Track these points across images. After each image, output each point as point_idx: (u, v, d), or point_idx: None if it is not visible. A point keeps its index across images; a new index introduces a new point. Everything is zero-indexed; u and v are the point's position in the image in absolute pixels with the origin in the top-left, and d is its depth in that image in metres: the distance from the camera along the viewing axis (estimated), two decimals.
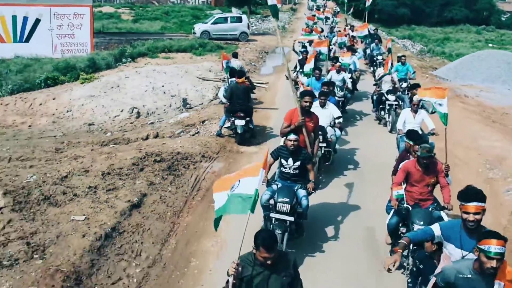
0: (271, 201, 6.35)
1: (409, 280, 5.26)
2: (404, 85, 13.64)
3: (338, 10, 46.58)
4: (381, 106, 13.11)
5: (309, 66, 12.63)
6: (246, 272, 4.01)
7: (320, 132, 8.28)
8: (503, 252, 3.65)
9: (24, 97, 15.03)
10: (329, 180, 9.34)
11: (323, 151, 8.94)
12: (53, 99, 14.64)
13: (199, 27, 28.80)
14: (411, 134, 7.22)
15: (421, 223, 5.75)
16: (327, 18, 33.08)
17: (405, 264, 5.99)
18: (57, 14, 23.33)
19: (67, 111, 13.84)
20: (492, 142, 11.17)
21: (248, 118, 10.54)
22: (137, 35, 28.71)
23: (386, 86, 13.13)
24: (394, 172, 7.16)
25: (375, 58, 18.80)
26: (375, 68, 17.85)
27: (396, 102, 12.41)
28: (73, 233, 6.39)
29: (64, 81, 17.61)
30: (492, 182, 8.96)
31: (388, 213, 6.58)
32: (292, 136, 6.50)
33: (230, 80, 11.87)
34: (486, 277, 3.75)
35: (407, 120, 9.38)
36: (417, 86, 10.41)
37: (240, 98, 10.47)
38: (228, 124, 10.80)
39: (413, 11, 52.02)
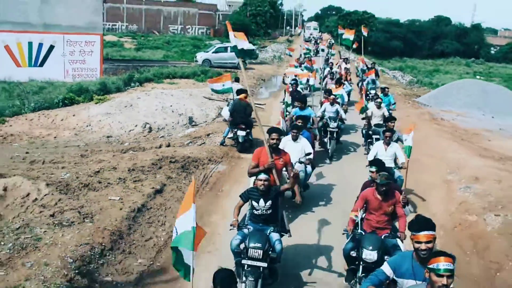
0: (242, 246, 6.14)
1: None
2: (386, 112, 13.85)
3: (333, 42, 49.30)
4: (369, 140, 13.34)
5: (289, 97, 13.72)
6: None
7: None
8: (452, 269, 3.73)
9: (46, 114, 17.12)
10: (299, 218, 9.18)
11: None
12: (73, 115, 16.74)
13: (201, 56, 31.36)
14: (375, 162, 7.46)
15: (370, 248, 5.96)
16: (322, 50, 35.52)
17: None
18: (70, 41, 25.56)
19: (87, 126, 15.91)
20: (458, 156, 13.22)
21: (248, 130, 12.62)
22: (142, 62, 31.12)
23: (375, 120, 13.34)
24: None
25: (368, 92, 18.87)
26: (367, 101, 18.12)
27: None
28: (112, 208, 8.40)
29: (79, 101, 19.69)
30: (449, 182, 11.01)
31: (347, 238, 6.72)
32: (262, 176, 6.35)
33: (234, 98, 14.02)
34: None
35: (379, 152, 9.57)
36: (392, 119, 10.76)
37: (242, 112, 12.58)
38: (231, 134, 12.89)
39: (406, 44, 54.97)
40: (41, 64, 25.33)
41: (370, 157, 9.41)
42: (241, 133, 12.50)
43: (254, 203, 6.45)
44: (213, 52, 31.62)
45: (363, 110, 13.92)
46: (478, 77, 42.38)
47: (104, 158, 11.87)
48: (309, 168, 9.63)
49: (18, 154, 12.88)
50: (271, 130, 7.35)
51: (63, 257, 6.56)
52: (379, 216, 6.42)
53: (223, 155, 12.37)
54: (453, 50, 57.72)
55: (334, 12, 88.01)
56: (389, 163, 9.10)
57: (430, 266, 3.80)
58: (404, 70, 44.75)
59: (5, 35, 24.38)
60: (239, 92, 13.33)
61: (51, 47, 25.37)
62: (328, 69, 22.48)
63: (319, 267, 7.53)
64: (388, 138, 9.67)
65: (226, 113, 14.10)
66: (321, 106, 14.39)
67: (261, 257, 5.98)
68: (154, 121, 16.14)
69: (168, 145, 13.36)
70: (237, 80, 17.04)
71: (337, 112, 13.50)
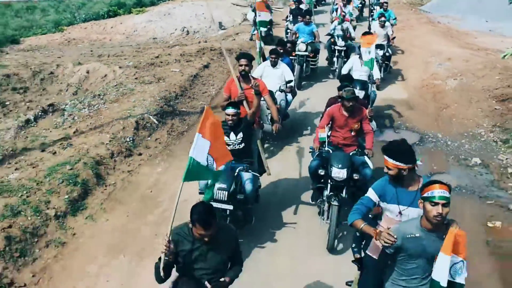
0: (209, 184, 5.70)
1: (353, 245, 4.82)
2: (390, 31, 13.82)
3: None
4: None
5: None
6: (182, 246, 3.79)
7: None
8: (448, 197, 3.51)
9: (97, 23, 20.60)
10: (280, 151, 8.89)
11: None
12: (120, 23, 20.19)
13: None
14: (346, 77, 7.66)
15: (339, 165, 5.93)
16: None
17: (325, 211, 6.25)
18: None
19: (134, 31, 19.38)
20: (442, 47, 16.37)
21: (269, 26, 15.93)
22: None
23: (378, 40, 12.76)
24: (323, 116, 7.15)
25: (372, 8, 17.78)
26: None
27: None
28: (175, 75, 12.09)
29: (120, 13, 23.02)
30: (428, 62, 14.31)
31: (312, 156, 6.62)
32: (230, 110, 5.93)
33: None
34: (435, 233, 3.58)
35: (354, 66, 9.51)
36: (369, 33, 10.15)
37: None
38: (254, 32, 16.25)
39: None
40: None
41: (345, 70, 9.45)
42: (263, 29, 15.84)
43: (226, 138, 5.87)
44: None
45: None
46: None
47: (155, 52, 15.46)
48: (289, 96, 9.19)
49: (84, 51, 16.51)
50: (240, 56, 6.85)
51: (153, 96, 10.32)
52: (345, 132, 6.40)
53: (251, 46, 15.80)
54: None
55: None
56: (364, 78, 9.22)
57: (424, 195, 3.57)
58: None
59: None
60: None
61: None
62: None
63: (303, 202, 7.13)
64: None
65: (250, 15, 17.31)
66: (331, 24, 14.30)
67: (226, 199, 5.62)
68: (190, 26, 19.50)
69: (205, 42, 16.82)
70: None
71: (347, 30, 13.12)
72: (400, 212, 4.18)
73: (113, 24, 20.13)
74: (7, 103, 12.24)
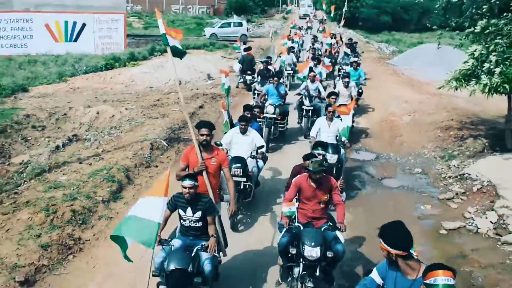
0: (165, 265, 5.39)
1: None
2: (354, 91, 14.41)
3: (325, 18, 55.04)
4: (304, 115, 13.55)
5: (302, 73, 14.08)
6: None
7: (239, 165, 8.16)
8: (453, 284, 3.28)
9: (97, 74, 23.29)
10: (255, 223, 8.57)
11: (242, 186, 8.25)
12: (119, 74, 22.92)
13: (208, 30, 37.55)
14: (320, 144, 7.49)
15: (312, 244, 5.65)
16: (309, 27, 41.11)
17: None
18: (99, 20, 31.48)
19: (131, 81, 22.07)
20: (402, 93, 19.35)
21: (253, 75, 18.74)
22: (158, 37, 37.14)
23: (342, 100, 13.44)
24: (287, 187, 6.98)
25: (341, 68, 19.43)
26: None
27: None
28: (175, 113, 14.60)
29: (116, 66, 25.76)
30: (389, 104, 17.19)
31: (280, 232, 6.30)
32: (187, 182, 5.57)
33: (242, 53, 20.06)
34: None
35: (322, 128, 9.57)
36: (334, 94, 10.99)
37: (248, 63, 18.71)
38: (241, 79, 19.06)
39: (394, 19, 60.70)
40: (75, 40, 31.26)
41: (313, 133, 9.60)
42: (248, 77, 18.67)
43: (181, 212, 5.76)
44: (218, 27, 37.93)
45: (301, 77, 14.27)
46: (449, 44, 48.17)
47: (156, 96, 18.10)
48: (260, 162, 9.03)
49: (89, 98, 19.06)
50: (200, 125, 6.49)
51: (161, 127, 12.84)
52: (314, 205, 6.14)
53: (238, 92, 18.55)
54: (439, 24, 63.24)
55: None
56: (331, 140, 9.30)
57: (427, 281, 3.36)
58: (390, 42, 50.61)
59: (46, 15, 30.33)
60: (245, 49, 19.46)
61: (83, 25, 31.24)
62: (310, 45, 23.54)
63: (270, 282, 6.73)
64: (331, 113, 9.64)
65: (236, 66, 20.20)
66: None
67: (181, 281, 5.30)
68: (182, 77, 22.29)
69: (197, 89, 19.56)
70: (244, 43, 23.14)
71: (317, 90, 13.53)
72: None
73: (112, 75, 22.82)
74: (29, 138, 14.64)
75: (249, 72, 18.77)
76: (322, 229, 6.05)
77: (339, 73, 16.82)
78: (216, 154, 6.47)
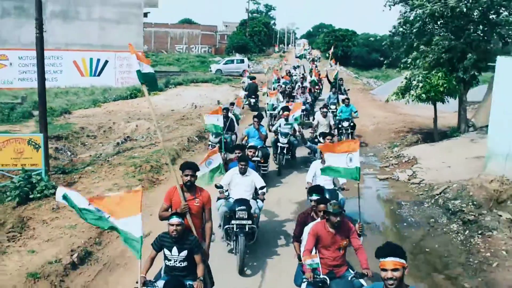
0: None
1: None
2: (346, 124, 16.46)
3: (319, 57, 61.45)
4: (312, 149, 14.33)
5: (295, 114, 14.31)
6: None
7: (244, 207, 8.30)
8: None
9: (125, 102, 29.11)
10: (257, 261, 8.74)
11: (247, 229, 8.29)
12: (144, 101, 28.69)
13: (214, 67, 43.85)
14: (316, 188, 7.43)
15: None
16: (297, 66, 46.66)
17: None
18: (120, 57, 37.50)
19: (155, 106, 27.81)
20: (374, 112, 25.20)
21: (256, 99, 24.47)
22: (169, 72, 43.37)
23: (321, 128, 14.71)
24: (296, 237, 6.96)
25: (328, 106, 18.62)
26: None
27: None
28: (199, 123, 20.27)
29: (139, 96, 31.59)
30: (363, 120, 22.92)
31: (297, 285, 6.29)
32: (174, 220, 5.76)
33: (248, 81, 25.85)
34: None
35: (318, 173, 9.10)
36: (329, 135, 11.15)
37: (253, 89, 24.52)
38: (247, 102, 24.84)
39: (384, 56, 67.34)
40: (99, 74, 37.23)
41: (309, 178, 9.39)
42: (252, 100, 24.46)
43: (167, 251, 5.87)
44: (223, 64, 44.38)
45: (293, 120, 14.34)
46: None
47: (181, 114, 23.78)
48: (260, 203, 9.03)
49: (124, 117, 24.73)
50: (184, 166, 6.67)
51: (192, 130, 18.48)
52: (334, 252, 6.04)
53: (244, 111, 24.33)
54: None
55: (325, 30, 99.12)
56: (328, 185, 9.04)
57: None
58: (379, 78, 56.86)
59: (74, 53, 36.41)
60: (251, 78, 25.35)
61: (106, 62, 37.29)
62: (299, 84, 25.56)
63: None
64: None
65: (242, 93, 25.96)
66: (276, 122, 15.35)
67: None
68: (196, 103, 28.11)
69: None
70: (251, 78, 29.07)
71: (291, 127, 14.03)
72: None
73: (138, 102, 28.63)
74: (86, 143, 20.19)
75: (253, 96, 24.54)
76: (349, 279, 5.89)
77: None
78: (200, 194, 6.63)
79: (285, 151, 13.89)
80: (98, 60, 37.16)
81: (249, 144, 11.84)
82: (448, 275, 8.42)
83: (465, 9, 14.34)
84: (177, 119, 21.79)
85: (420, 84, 15.73)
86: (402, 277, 4.15)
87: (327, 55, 64.44)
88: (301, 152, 15.54)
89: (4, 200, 11.65)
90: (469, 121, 17.08)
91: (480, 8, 14.59)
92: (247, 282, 8.01)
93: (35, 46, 14.28)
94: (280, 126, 14.13)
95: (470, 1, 14.41)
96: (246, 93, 24.97)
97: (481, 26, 15.54)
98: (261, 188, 8.91)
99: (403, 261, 4.19)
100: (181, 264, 5.86)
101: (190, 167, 6.65)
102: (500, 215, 10.09)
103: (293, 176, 14.18)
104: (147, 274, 5.75)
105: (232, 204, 8.51)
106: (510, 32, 14.90)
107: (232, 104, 17.41)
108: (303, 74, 31.17)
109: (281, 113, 15.43)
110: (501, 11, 15.22)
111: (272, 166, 14.18)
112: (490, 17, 15.25)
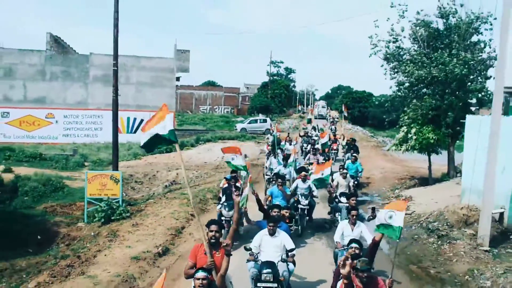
0: None
1: None
2: (351, 182, 16.23)
3: (338, 118, 65.82)
4: (334, 208, 15.04)
5: (325, 172, 14.71)
6: None
7: (269, 270, 8.46)
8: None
9: (162, 155, 33.54)
10: None
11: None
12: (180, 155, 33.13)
13: (239, 126, 48.67)
14: (354, 240, 8.11)
15: None
16: (309, 128, 50.41)
17: None
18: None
19: (190, 158, 32.21)
20: (384, 164, 29.22)
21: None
22: (198, 131, 48.15)
23: (341, 189, 15.37)
24: None
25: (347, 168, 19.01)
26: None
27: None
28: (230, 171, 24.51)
29: (173, 150, 36.00)
30: (372, 170, 26.92)
31: None
32: (200, 274, 6.26)
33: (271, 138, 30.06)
34: None
35: (345, 232, 9.70)
36: (353, 195, 11.72)
37: (278, 142, 28.77)
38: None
39: (398, 116, 71.69)
40: (135, 132, 41.93)
41: (337, 237, 9.75)
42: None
43: None
44: (248, 123, 49.21)
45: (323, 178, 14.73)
46: None
47: (212, 166, 28.02)
48: (291, 266, 9.18)
49: (164, 167, 29.03)
50: (210, 223, 7.25)
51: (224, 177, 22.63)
52: None
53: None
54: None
55: (343, 91, 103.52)
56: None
57: None
58: (393, 137, 60.86)
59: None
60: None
61: (141, 120, 41.99)
62: (310, 145, 25.99)
63: None
64: (354, 217, 9.89)
65: (270, 140, 30.08)
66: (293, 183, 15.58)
67: None
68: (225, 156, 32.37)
69: None
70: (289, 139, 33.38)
71: (309, 188, 14.49)
72: None
73: (173, 155, 33.01)
74: (135, 188, 24.45)
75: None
76: None
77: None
78: (225, 243, 6.89)
79: (306, 212, 14.41)
80: (135, 119, 41.98)
81: (275, 203, 11.89)
82: (420, 266, 12.24)
83: (444, 78, 18.67)
84: (212, 168, 26.00)
85: (414, 137, 19.85)
86: None
87: (343, 116, 69.05)
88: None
89: (93, 220, 15.93)
90: (458, 168, 21.00)
91: (457, 77, 18.82)
92: None
93: (112, 106, 18.65)
94: (297, 187, 14.53)
95: (447, 72, 18.66)
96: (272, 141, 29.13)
97: (459, 92, 19.74)
98: (291, 250, 8.96)
99: None
100: None
101: (215, 224, 7.25)
102: (465, 231, 13.90)
103: (313, 238, 14.48)
104: None
105: (260, 266, 8.68)
106: (482, 96, 19.13)
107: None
108: (317, 135, 32.45)
109: (295, 175, 16.68)
110: (478, 79, 19.48)
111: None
112: (468, 83, 19.53)
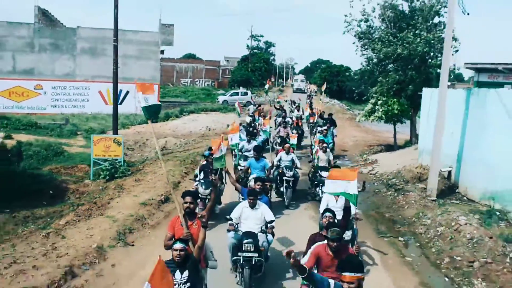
0: None
1: None
2: (331, 156, 16.34)
3: (314, 93, 68.27)
4: (315, 182, 15.49)
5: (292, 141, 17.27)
6: None
7: (251, 240, 8.78)
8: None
9: (150, 124, 35.94)
10: None
11: (253, 262, 8.80)
12: (166, 124, 35.57)
13: (221, 98, 51.09)
14: (329, 210, 8.45)
15: None
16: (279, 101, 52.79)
17: None
18: None
19: (176, 128, 34.67)
20: (356, 134, 32.12)
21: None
22: (181, 102, 50.46)
23: (321, 163, 15.53)
24: (304, 255, 7.52)
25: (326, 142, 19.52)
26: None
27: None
28: (217, 139, 27.11)
29: (159, 121, 38.36)
30: (345, 138, 29.77)
31: None
32: (178, 245, 6.38)
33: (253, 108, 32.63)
34: None
35: (330, 203, 10.17)
36: (337, 167, 11.68)
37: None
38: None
39: (367, 89, 74.79)
40: (121, 103, 43.81)
41: (322, 209, 9.87)
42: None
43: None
44: (229, 96, 51.69)
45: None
46: None
47: (198, 135, 30.57)
48: (270, 237, 9.46)
49: (151, 137, 31.43)
50: (184, 194, 7.45)
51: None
52: (332, 273, 6.44)
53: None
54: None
55: (323, 65, 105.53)
56: (340, 215, 9.34)
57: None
58: None
59: (99, 84, 43.42)
60: (258, 106, 32.18)
61: (127, 92, 44.16)
62: (281, 118, 25.85)
63: None
64: None
65: (248, 118, 32.60)
66: (276, 155, 16.36)
67: None
68: (210, 125, 34.91)
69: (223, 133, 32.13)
70: (255, 104, 35.89)
71: (292, 161, 15.00)
72: None
73: (160, 125, 35.46)
74: (127, 154, 26.87)
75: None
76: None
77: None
78: (197, 219, 7.19)
79: (291, 184, 14.78)
80: (121, 91, 43.77)
81: (254, 176, 12.26)
82: (378, 212, 15.16)
83: (408, 55, 21.42)
84: (199, 136, 28.56)
85: (381, 108, 22.63)
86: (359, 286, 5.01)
87: (322, 90, 71.60)
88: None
89: (98, 178, 18.48)
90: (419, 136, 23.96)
91: (419, 54, 21.58)
92: None
93: (112, 79, 21.01)
94: (281, 159, 15.13)
95: (410, 49, 21.41)
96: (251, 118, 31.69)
97: (420, 67, 22.54)
98: (270, 222, 9.29)
99: (359, 274, 4.93)
100: (184, 287, 6.37)
101: (190, 195, 7.45)
102: (418, 185, 16.80)
103: (299, 210, 15.02)
104: None
105: (240, 236, 8.99)
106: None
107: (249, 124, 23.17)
108: (290, 109, 33.60)
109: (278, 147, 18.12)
110: (438, 56, 22.24)
111: (274, 196, 15.06)
112: (428, 60, 22.34)
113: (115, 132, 21.38)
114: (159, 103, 8.10)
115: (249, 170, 13.80)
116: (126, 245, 11.37)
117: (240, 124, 20.41)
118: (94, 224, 12.24)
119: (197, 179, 13.51)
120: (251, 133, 18.54)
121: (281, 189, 15.04)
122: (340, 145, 27.19)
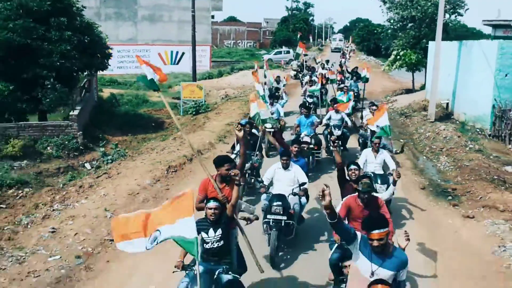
0: None
1: None
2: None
3: (353, 48, 74.08)
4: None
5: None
6: None
7: (279, 203, 8.91)
8: None
9: (207, 81, 43.33)
10: (291, 255, 9.52)
11: (283, 224, 8.87)
12: (221, 80, 42.89)
13: (266, 56, 58.11)
14: (354, 163, 8.82)
15: None
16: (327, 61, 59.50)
17: None
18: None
19: (230, 82, 41.87)
20: (386, 83, 38.80)
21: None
22: (230, 61, 57.84)
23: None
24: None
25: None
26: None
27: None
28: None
29: (213, 77, 45.52)
30: (375, 86, 36.54)
31: (331, 249, 7.49)
32: (212, 204, 6.51)
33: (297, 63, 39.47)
34: None
35: (368, 159, 10.75)
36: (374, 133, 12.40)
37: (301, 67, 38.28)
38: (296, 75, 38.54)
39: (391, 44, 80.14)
40: (177, 63, 51.35)
41: (360, 164, 10.16)
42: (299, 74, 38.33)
43: (204, 235, 6.54)
44: (273, 54, 59.28)
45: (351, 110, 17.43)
46: None
47: (250, 86, 37.78)
48: (303, 199, 9.62)
49: (213, 88, 38.79)
50: (222, 161, 7.22)
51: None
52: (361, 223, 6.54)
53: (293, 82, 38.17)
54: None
55: (361, 24, 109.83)
56: (378, 170, 10.47)
57: None
58: None
59: (159, 47, 50.73)
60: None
61: (183, 53, 51.25)
62: (307, 77, 25.78)
63: None
64: (377, 145, 10.86)
65: (292, 72, 39.51)
66: (326, 113, 16.82)
67: None
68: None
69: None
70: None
71: (342, 119, 15.29)
72: (372, 273, 5.25)
73: (217, 80, 42.79)
74: None
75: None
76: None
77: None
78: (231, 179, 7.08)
79: (340, 143, 13.79)
80: (177, 52, 51.22)
81: (305, 133, 13.96)
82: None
83: (421, 16, 28.05)
84: (250, 88, 35.79)
85: (402, 59, 29.44)
86: (387, 241, 5.30)
87: (360, 48, 77.51)
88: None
89: (186, 114, 26.14)
90: None
91: (430, 16, 28.14)
92: (277, 274, 8.81)
93: (191, 41, 28.39)
94: (330, 118, 15.43)
95: (422, 12, 28.01)
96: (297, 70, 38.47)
97: (431, 25, 29.00)
98: (302, 184, 9.38)
99: (386, 229, 5.19)
100: (218, 244, 6.57)
101: (229, 161, 7.23)
102: (422, 113, 23.76)
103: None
104: (185, 259, 6.60)
105: (270, 198, 9.16)
106: (450, 28, 28.55)
107: (278, 78, 26.09)
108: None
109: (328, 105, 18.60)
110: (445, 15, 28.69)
111: (324, 154, 15.77)
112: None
113: (194, 80, 28.82)
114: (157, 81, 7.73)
115: (298, 128, 14.48)
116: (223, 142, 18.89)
117: (265, 83, 21.64)
118: (201, 134, 19.82)
119: (234, 151, 12.56)
120: (274, 95, 19.28)
121: (331, 148, 14.37)
122: (370, 92, 33.87)
